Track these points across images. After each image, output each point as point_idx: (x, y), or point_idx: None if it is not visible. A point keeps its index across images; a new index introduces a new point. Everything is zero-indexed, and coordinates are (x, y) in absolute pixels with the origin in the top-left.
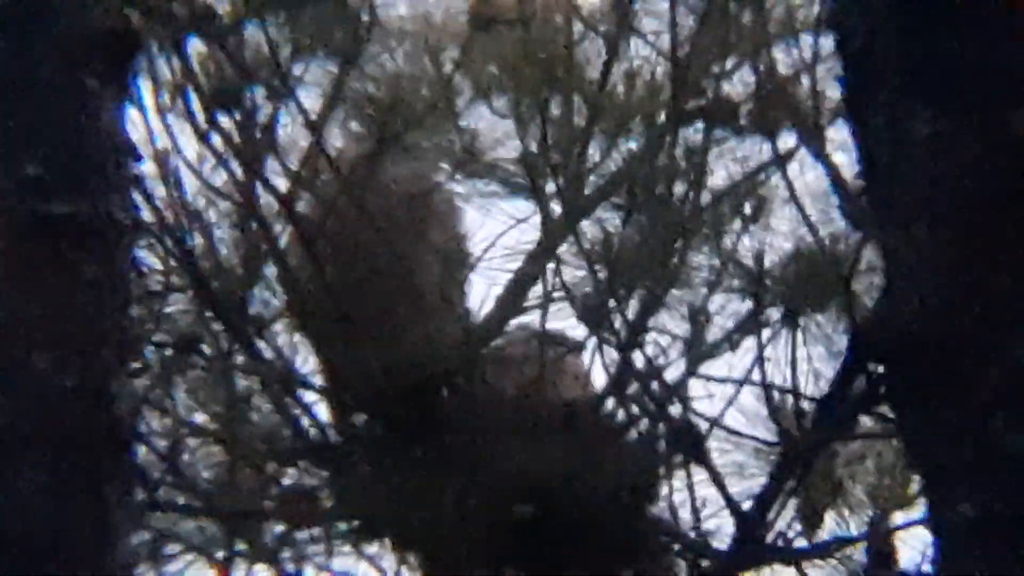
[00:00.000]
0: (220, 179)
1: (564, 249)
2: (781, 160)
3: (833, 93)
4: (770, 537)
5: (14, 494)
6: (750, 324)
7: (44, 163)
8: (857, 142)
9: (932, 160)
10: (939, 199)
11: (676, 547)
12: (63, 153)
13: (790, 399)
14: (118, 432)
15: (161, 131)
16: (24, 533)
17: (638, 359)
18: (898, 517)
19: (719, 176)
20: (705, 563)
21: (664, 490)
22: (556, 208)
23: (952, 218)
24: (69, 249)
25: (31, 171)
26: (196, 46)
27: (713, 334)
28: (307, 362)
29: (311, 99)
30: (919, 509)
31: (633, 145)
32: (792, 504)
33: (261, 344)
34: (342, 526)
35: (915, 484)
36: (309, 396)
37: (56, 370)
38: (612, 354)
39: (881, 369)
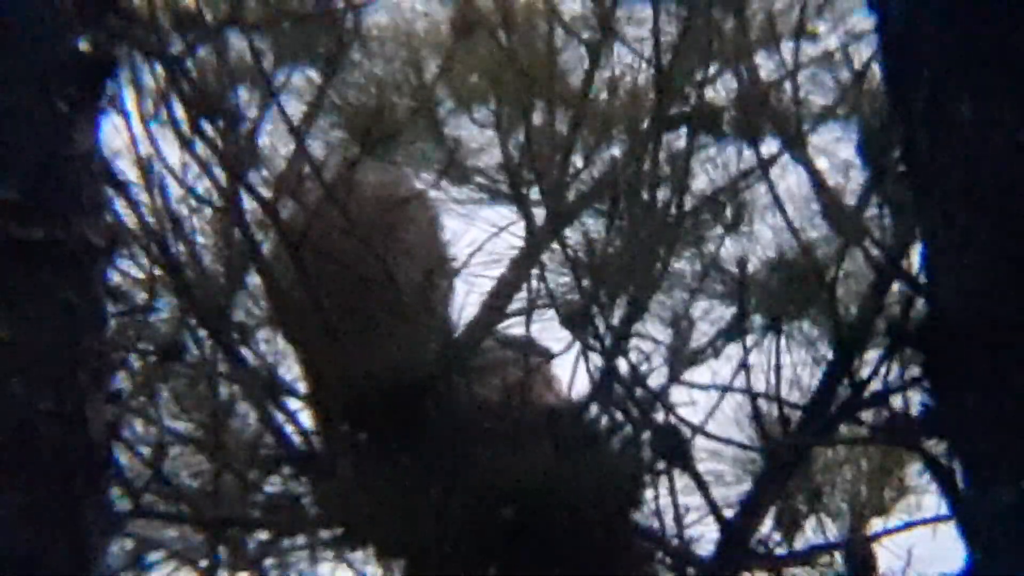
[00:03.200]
0: (203, 186)
1: (547, 256)
2: (764, 166)
3: (816, 99)
4: (752, 543)
5: None
6: (734, 330)
7: (18, 188)
8: (898, 126)
9: (973, 144)
10: (980, 183)
11: (660, 553)
12: (37, 177)
13: (774, 405)
14: (94, 456)
15: (144, 138)
16: (0, 556)
17: (622, 365)
18: (876, 524)
19: (702, 182)
20: (689, 569)
21: (648, 496)
22: (539, 215)
23: (993, 202)
24: (44, 273)
25: (4, 195)
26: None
27: (696, 340)
28: (291, 369)
29: (294, 106)
30: (897, 515)
31: (616, 152)
32: (773, 511)
33: (245, 351)
34: (326, 533)
35: (892, 491)
36: (293, 403)
37: (31, 394)
38: (596, 360)
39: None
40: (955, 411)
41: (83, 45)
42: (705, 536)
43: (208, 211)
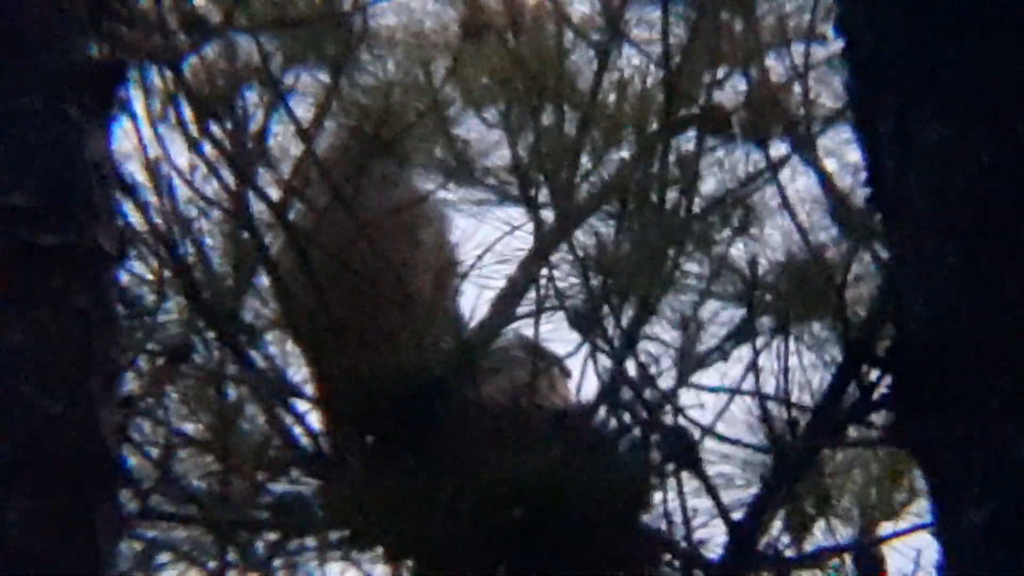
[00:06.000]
0: (212, 188)
1: (557, 256)
2: (773, 168)
3: (825, 101)
4: (760, 546)
5: (0, 522)
6: (743, 332)
7: (31, 193)
8: (863, 150)
9: (940, 168)
10: (947, 207)
11: (668, 556)
12: (50, 183)
13: (782, 408)
14: (105, 460)
15: (153, 140)
16: (11, 562)
17: (631, 367)
18: (886, 527)
19: (711, 184)
20: (697, 572)
21: (656, 498)
22: (549, 216)
23: (960, 226)
24: (56, 278)
25: (18, 201)
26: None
27: (706, 342)
28: (299, 371)
29: (302, 108)
30: (907, 519)
31: (625, 153)
32: (782, 513)
33: (253, 353)
34: (334, 535)
35: (902, 494)
36: (301, 405)
37: (43, 398)
38: (605, 362)
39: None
40: (924, 433)
41: (95, 52)
42: (714, 539)
43: (216, 213)
